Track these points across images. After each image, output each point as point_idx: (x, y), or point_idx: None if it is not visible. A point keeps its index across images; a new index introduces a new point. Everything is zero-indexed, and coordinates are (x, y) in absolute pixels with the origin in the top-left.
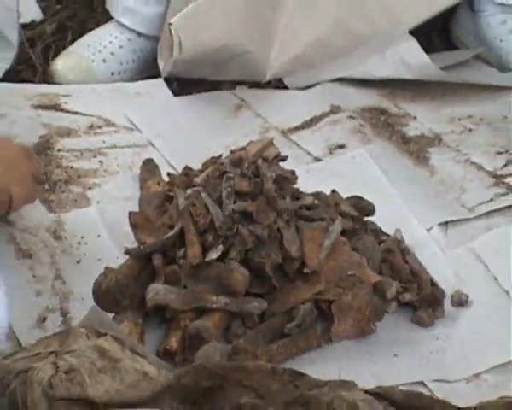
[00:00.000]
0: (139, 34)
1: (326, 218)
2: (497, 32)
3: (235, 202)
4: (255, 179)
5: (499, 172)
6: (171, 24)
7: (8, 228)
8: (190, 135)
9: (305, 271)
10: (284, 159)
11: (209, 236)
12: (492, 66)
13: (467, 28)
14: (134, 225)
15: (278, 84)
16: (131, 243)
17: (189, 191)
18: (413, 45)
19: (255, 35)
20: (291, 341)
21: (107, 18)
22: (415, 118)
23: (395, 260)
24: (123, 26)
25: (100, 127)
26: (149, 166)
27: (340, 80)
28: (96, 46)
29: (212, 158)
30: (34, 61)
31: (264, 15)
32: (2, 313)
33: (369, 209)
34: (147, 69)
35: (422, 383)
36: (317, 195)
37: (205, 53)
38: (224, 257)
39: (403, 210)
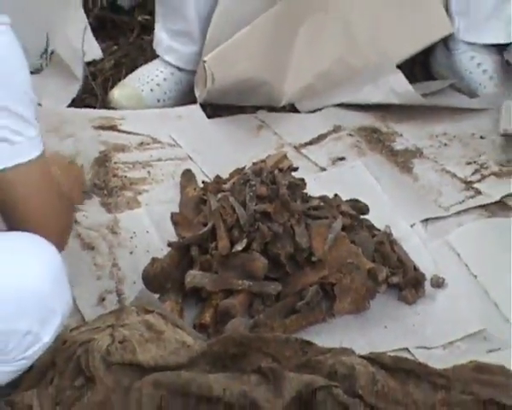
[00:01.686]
0: (179, 69)
1: (329, 216)
2: (467, 66)
3: (256, 205)
4: (272, 186)
5: (469, 179)
6: (205, 61)
7: (75, 226)
8: (220, 150)
9: (313, 259)
10: (296, 169)
11: (235, 231)
12: (463, 93)
13: (443, 63)
14: (175, 223)
15: (291, 108)
16: (173, 237)
17: (219, 196)
18: (399, 77)
19: (272, 69)
20: (301, 316)
21: (154, 56)
22: (401, 135)
23: (385, 250)
24: (166, 62)
25: (148, 144)
26: (188, 176)
27: (341, 105)
28: (145, 79)
29: (238, 169)
30: (96, 91)
31: (280, 53)
32: (69, 293)
33: (364, 209)
34: (186, 97)
35: (407, 350)
36: (322, 198)
37: (232, 84)
38: (247, 249)
39: (391, 210)
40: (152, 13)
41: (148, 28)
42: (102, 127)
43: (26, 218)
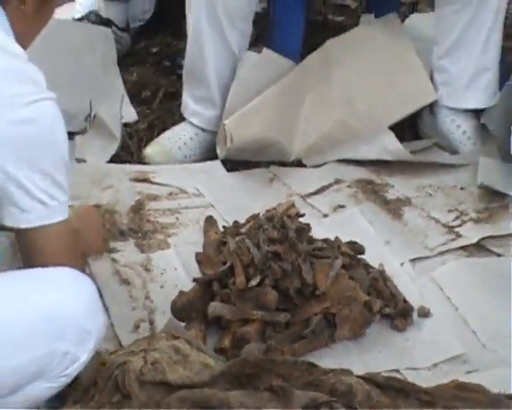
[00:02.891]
0: (203, 130)
1: (331, 256)
2: (449, 127)
3: (268, 246)
4: (282, 230)
5: (450, 224)
6: (225, 124)
7: (113, 264)
8: (238, 199)
9: (317, 293)
10: (302, 215)
11: (250, 269)
12: (446, 151)
13: (428, 125)
14: (199, 262)
15: (299, 163)
16: (198, 274)
17: (237, 238)
18: (391, 137)
19: (283, 131)
20: (307, 341)
21: (182, 119)
22: (393, 186)
23: (379, 285)
24: (192, 124)
25: (176, 194)
26: (210, 221)
27: (341, 161)
28: (173, 138)
29: (253, 215)
30: (131, 148)
31: (289, 117)
32: (102, 318)
33: (361, 250)
34: (208, 154)
35: (398, 371)
36: (324, 240)
37: (248, 143)
38: (260, 284)
39: (384, 251)
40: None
41: (176, 94)
42: (137, 179)
43: None
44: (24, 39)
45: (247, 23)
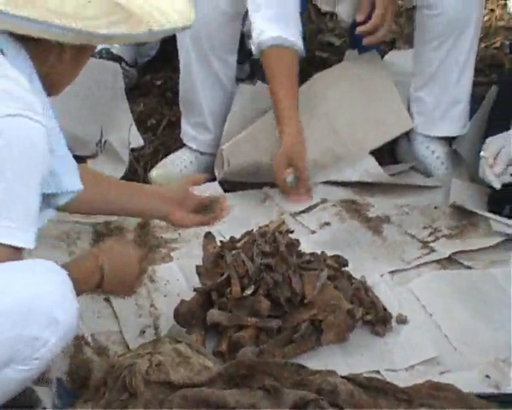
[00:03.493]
0: (201, 153)
1: (318, 268)
2: (424, 153)
3: (261, 259)
4: (274, 245)
5: (425, 240)
6: (222, 149)
7: None
8: (234, 217)
9: (305, 302)
10: (292, 232)
11: (245, 280)
12: (421, 174)
13: (405, 150)
14: (199, 273)
15: None
16: (198, 284)
17: (233, 252)
18: (372, 161)
19: (274, 152)
20: (296, 345)
21: (183, 144)
22: (373, 206)
23: (361, 295)
24: (190, 148)
25: None
26: (209, 237)
27: (327, 183)
28: (175, 162)
29: (247, 231)
30: (138, 171)
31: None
32: (73, 306)
33: (345, 263)
34: (207, 175)
35: (378, 372)
36: (312, 254)
37: (243, 167)
38: (254, 293)
39: (365, 264)
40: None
41: (178, 123)
42: None
43: None
44: (59, 84)
45: (232, 54)
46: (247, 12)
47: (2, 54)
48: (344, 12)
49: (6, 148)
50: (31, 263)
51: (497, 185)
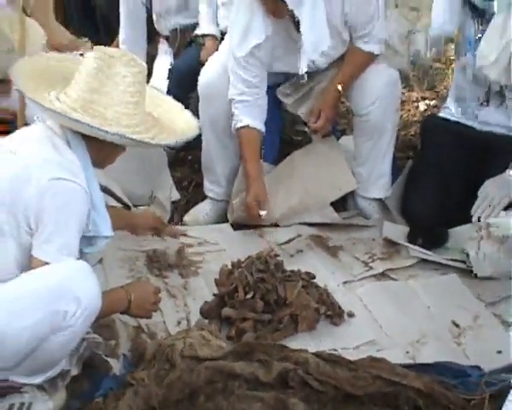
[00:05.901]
0: (217, 201)
1: (295, 280)
2: (364, 204)
3: (258, 274)
4: (266, 264)
5: (366, 261)
6: (233, 204)
7: (165, 285)
8: (240, 246)
9: (287, 303)
10: (278, 255)
11: (247, 288)
12: (363, 217)
13: (352, 203)
14: (216, 284)
15: (276, 225)
16: (216, 291)
17: (239, 270)
18: (330, 209)
19: (265, 205)
20: (281, 333)
21: (205, 197)
22: (332, 239)
23: (324, 298)
24: (210, 198)
25: (203, 243)
26: (223, 265)
27: (302, 223)
28: (201, 210)
29: (248, 256)
30: (176, 216)
31: (271, 197)
32: (93, 289)
33: (313, 276)
34: (222, 218)
35: (336, 350)
36: (291, 271)
37: (246, 215)
38: (253, 297)
39: (327, 277)
40: None
41: (202, 184)
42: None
43: None
44: (105, 164)
45: None
46: None
47: (69, 144)
48: (303, 114)
49: (54, 199)
50: (70, 262)
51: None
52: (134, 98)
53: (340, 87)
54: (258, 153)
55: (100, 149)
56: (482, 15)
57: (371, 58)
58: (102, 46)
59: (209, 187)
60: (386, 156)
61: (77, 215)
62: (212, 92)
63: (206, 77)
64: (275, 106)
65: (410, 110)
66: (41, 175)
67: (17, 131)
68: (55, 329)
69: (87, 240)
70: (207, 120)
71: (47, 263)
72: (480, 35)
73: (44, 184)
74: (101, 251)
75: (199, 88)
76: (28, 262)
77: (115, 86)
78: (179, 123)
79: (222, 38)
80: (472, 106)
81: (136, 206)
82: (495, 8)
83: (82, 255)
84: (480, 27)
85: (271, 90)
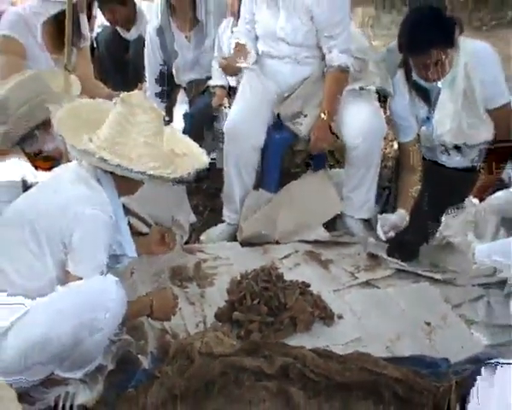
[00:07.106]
0: (231, 224)
1: (294, 289)
2: (351, 224)
3: (262, 284)
4: (269, 275)
5: (353, 272)
6: (242, 227)
7: (185, 294)
8: (247, 260)
9: (287, 307)
10: (278, 268)
11: (253, 296)
12: (350, 235)
13: (340, 223)
14: (228, 292)
15: (277, 242)
16: (227, 298)
17: (247, 280)
18: (322, 229)
19: (270, 229)
20: (282, 332)
21: (218, 221)
22: (324, 254)
23: (317, 303)
24: (226, 222)
25: (217, 258)
26: (233, 277)
27: (299, 241)
28: (215, 231)
29: (254, 269)
30: (193, 236)
31: (272, 221)
32: (116, 300)
33: (308, 285)
34: (232, 237)
35: (328, 346)
36: (290, 281)
37: (253, 236)
38: (259, 303)
39: (320, 285)
40: None
41: (216, 209)
42: (197, 251)
43: None
44: (127, 193)
45: (254, 171)
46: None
47: (99, 181)
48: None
49: (86, 227)
50: (100, 278)
51: (383, 238)
52: (151, 140)
53: (323, 115)
54: None
55: (124, 183)
56: (428, 96)
57: (344, 74)
58: (127, 93)
59: (227, 213)
60: (373, 184)
61: (104, 239)
62: (237, 135)
63: (232, 122)
64: (278, 148)
65: (386, 149)
66: (76, 209)
67: (57, 169)
68: (90, 332)
69: (115, 258)
70: (232, 158)
71: (80, 278)
72: (429, 115)
73: (78, 215)
74: (127, 266)
75: (225, 130)
76: (63, 275)
77: (137, 130)
78: (192, 158)
79: (230, 88)
80: (437, 154)
81: (156, 224)
82: (439, 85)
83: (111, 270)
84: (429, 108)
85: (274, 133)
